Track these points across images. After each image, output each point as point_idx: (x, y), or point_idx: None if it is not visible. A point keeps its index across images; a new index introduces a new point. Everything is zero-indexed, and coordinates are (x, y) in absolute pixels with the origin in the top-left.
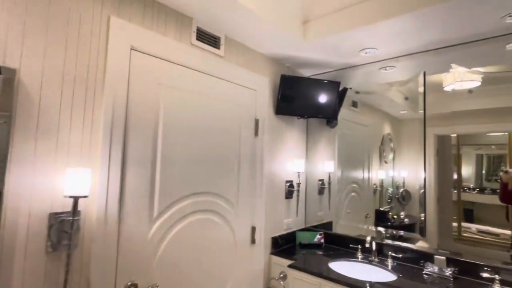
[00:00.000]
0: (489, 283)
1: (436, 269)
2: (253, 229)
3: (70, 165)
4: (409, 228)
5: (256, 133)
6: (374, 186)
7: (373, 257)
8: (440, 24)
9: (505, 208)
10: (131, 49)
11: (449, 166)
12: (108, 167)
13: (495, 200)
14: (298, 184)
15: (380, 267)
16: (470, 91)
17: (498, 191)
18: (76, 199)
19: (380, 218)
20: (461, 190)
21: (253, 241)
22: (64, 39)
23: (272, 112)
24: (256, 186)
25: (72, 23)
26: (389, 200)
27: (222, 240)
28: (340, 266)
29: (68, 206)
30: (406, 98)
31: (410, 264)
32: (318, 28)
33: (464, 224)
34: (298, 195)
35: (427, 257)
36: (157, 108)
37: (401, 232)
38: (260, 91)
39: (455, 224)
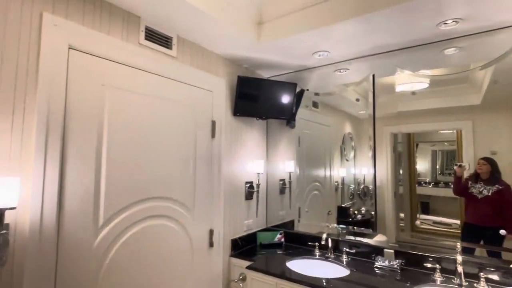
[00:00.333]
0: (432, 272)
1: (385, 262)
2: (211, 232)
3: None
4: (369, 223)
5: (213, 135)
6: (336, 183)
7: (329, 254)
8: (384, 29)
9: (458, 199)
10: (70, 48)
11: (404, 163)
12: (44, 175)
13: (448, 192)
14: (258, 185)
15: (335, 263)
16: (413, 93)
17: (451, 184)
18: (1, 211)
19: (342, 214)
20: (416, 184)
21: (211, 244)
22: None
23: (230, 114)
24: (214, 188)
25: None
26: (351, 197)
27: (177, 245)
28: (297, 265)
29: None
30: (357, 100)
31: (363, 258)
32: (272, 30)
33: (421, 216)
34: (258, 196)
35: (378, 251)
36: (101, 110)
37: (356, 229)
38: (216, 92)
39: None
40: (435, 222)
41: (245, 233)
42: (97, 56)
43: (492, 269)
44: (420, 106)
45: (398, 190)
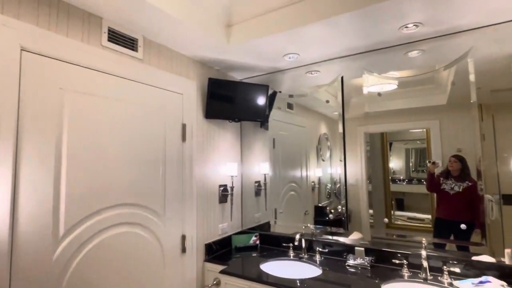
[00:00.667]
0: (399, 268)
1: (356, 260)
2: (184, 238)
3: None
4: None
5: (183, 138)
6: (313, 183)
7: (303, 254)
8: (350, 32)
9: (429, 195)
10: (22, 50)
11: (378, 161)
12: None
13: (421, 189)
14: (232, 188)
15: (309, 263)
16: (379, 94)
17: (424, 181)
18: None
19: (319, 213)
20: (391, 182)
21: (183, 250)
22: None
23: (201, 116)
24: (186, 193)
25: None
26: (328, 196)
27: (147, 253)
28: (271, 267)
29: None
30: (327, 101)
31: (336, 257)
32: (241, 33)
33: (396, 212)
34: (232, 199)
35: (350, 249)
36: (60, 115)
37: (331, 228)
38: (187, 95)
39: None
40: (409, 218)
41: (219, 237)
42: (54, 59)
43: (455, 262)
44: (388, 107)
45: (372, 188)
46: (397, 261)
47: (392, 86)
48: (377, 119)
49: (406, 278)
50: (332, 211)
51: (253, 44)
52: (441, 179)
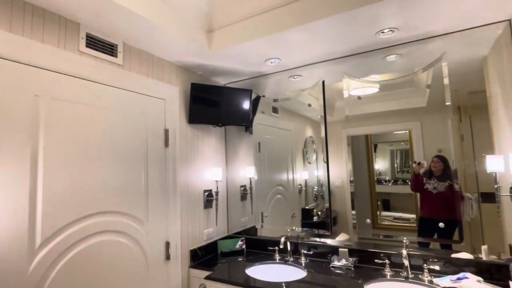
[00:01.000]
0: (382, 267)
1: (340, 261)
2: (168, 245)
3: None
4: (332, 222)
5: (166, 144)
6: (299, 186)
7: (288, 257)
8: (330, 37)
9: (413, 195)
10: None
11: (363, 163)
12: None
13: (406, 189)
14: (217, 193)
15: (294, 265)
16: (359, 97)
17: (408, 181)
18: None
19: (306, 216)
20: (376, 183)
21: (167, 257)
22: None
23: (185, 122)
24: (169, 199)
25: None
26: (315, 198)
27: (130, 261)
28: (256, 271)
29: None
30: (309, 105)
31: (321, 259)
32: (222, 38)
33: (383, 213)
34: (217, 204)
35: (334, 250)
36: (35, 122)
37: (317, 231)
38: (169, 100)
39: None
40: (395, 218)
41: (205, 243)
42: (29, 65)
43: (435, 260)
44: (369, 110)
45: (358, 189)
46: (380, 261)
47: (374, 89)
48: (359, 121)
49: (388, 277)
50: (319, 213)
51: (235, 49)
52: (424, 179)
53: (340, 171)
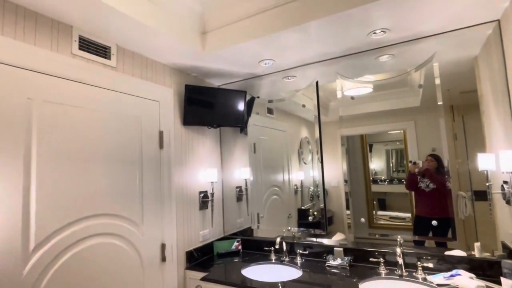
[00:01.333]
0: (376, 266)
1: (336, 260)
2: (163, 247)
3: None
4: (328, 222)
5: (161, 146)
6: (295, 187)
7: (284, 257)
8: (322, 38)
9: (408, 194)
10: None
11: (358, 163)
12: None
13: (402, 188)
14: (212, 194)
15: (290, 265)
16: (352, 98)
17: (404, 180)
18: None
19: (303, 216)
20: (372, 182)
21: (163, 259)
22: None
23: (179, 123)
24: (165, 201)
25: None
26: (311, 198)
27: (125, 264)
28: (252, 271)
29: None
30: (303, 106)
31: (316, 258)
32: (215, 40)
33: (379, 212)
34: (212, 205)
35: (329, 250)
36: (28, 125)
37: (313, 231)
38: (163, 102)
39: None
40: (391, 217)
41: (201, 244)
42: (21, 68)
43: (429, 257)
44: (363, 110)
45: (353, 189)
46: (374, 260)
47: (368, 89)
48: (353, 122)
49: (383, 275)
50: (315, 213)
51: (228, 51)
52: (419, 177)
53: (335, 171)
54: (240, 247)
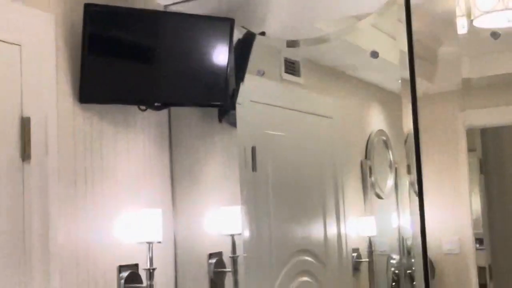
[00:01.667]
0: None
1: None
2: None
3: None
4: None
5: (25, 155)
6: (354, 255)
7: None
8: None
9: None
10: None
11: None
12: None
13: None
14: (150, 272)
15: None
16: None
17: None
18: None
19: None
20: None
21: None
22: None
23: (71, 99)
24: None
25: None
26: (394, 282)
27: None
28: None
29: None
30: (375, 54)
31: None
32: None
33: None
34: None
35: None
36: None
37: None
38: (31, 47)
39: None
40: None
41: None
42: None
43: None
44: None
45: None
46: None
47: None
48: (498, 94)
49: None
50: None
51: None
52: None
53: (454, 215)
54: None
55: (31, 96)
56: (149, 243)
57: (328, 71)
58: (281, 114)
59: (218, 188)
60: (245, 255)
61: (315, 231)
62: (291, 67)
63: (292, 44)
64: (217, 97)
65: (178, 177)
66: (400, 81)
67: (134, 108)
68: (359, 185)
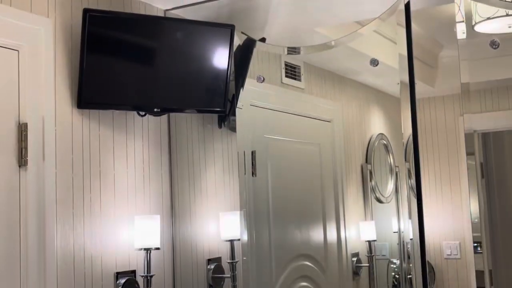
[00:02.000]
0: None
1: None
2: None
3: None
4: None
5: (22, 161)
6: (354, 260)
7: None
8: None
9: None
10: None
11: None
12: None
13: None
14: (148, 279)
15: None
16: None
17: None
18: None
19: None
20: None
21: None
22: None
23: (69, 103)
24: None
25: None
26: (395, 286)
27: None
28: None
29: None
30: (374, 62)
31: None
32: None
33: None
34: None
35: None
36: None
37: None
38: (30, 51)
39: None
40: None
41: None
42: None
43: None
44: None
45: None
46: None
47: None
48: (498, 98)
49: None
50: None
51: None
52: None
53: (454, 219)
54: None
55: (29, 102)
56: (146, 249)
57: (328, 75)
58: (281, 118)
59: (217, 193)
60: (244, 258)
61: (315, 235)
62: (292, 72)
63: (293, 50)
64: (217, 103)
65: (177, 182)
66: (398, 83)
67: (133, 113)
68: (359, 189)
